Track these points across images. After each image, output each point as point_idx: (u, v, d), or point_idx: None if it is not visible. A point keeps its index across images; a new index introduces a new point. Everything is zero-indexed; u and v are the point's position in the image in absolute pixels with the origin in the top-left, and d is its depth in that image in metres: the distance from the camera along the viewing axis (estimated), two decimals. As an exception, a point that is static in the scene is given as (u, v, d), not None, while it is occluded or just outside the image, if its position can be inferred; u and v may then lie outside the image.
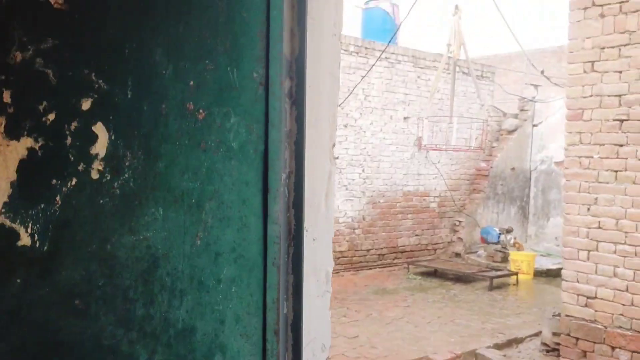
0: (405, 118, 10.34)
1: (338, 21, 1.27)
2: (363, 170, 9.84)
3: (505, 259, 10.13)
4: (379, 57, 9.18)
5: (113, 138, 0.88)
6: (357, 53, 9.52)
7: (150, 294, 0.88)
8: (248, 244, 1.00)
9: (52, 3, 0.80)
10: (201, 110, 0.97)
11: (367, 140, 9.86)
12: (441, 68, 7.67)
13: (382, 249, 10.14)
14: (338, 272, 9.16)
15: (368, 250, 9.94)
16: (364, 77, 9.21)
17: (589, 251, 5.45)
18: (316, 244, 1.12)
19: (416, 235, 10.66)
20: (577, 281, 5.52)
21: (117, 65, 0.87)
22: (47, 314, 0.82)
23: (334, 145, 1.23)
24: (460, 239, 11.11)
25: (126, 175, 0.89)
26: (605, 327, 5.30)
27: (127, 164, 0.89)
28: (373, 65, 9.17)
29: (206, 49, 0.98)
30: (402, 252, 10.43)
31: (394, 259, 10.29)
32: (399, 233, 10.39)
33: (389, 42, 8.74)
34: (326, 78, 1.21)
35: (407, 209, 10.48)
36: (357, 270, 9.64)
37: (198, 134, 0.96)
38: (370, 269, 9.85)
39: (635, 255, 5.13)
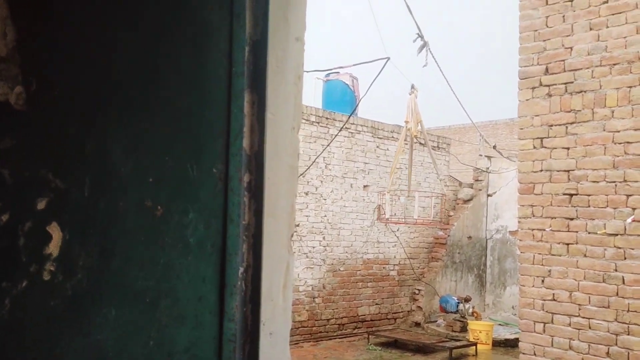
0: (365, 186, 10.49)
1: (297, 115, 1.31)
2: (324, 238, 9.83)
3: (464, 329, 10.12)
4: (341, 128, 9.41)
5: (67, 237, 0.87)
6: (318, 123, 9.74)
7: (98, 400, 0.85)
8: (203, 343, 0.98)
9: (12, 104, 0.81)
10: (159, 207, 0.97)
11: (328, 208, 9.92)
12: (400, 145, 7.93)
13: (342, 318, 9.99)
14: (297, 343, 8.93)
15: (328, 320, 9.78)
16: (325, 147, 9.38)
17: (544, 323, 5.50)
18: (273, 338, 1.10)
19: (376, 304, 10.58)
20: (534, 354, 5.54)
21: (75, 164, 0.87)
22: None
23: (292, 235, 1.24)
24: (419, 307, 11.08)
25: (79, 275, 0.88)
26: (564, 401, 5.29)
27: (80, 263, 0.88)
28: (335, 136, 9.36)
29: (167, 145, 1.00)
30: (362, 322, 10.30)
31: (354, 329, 10.14)
32: (359, 302, 10.30)
33: (350, 114, 8.98)
34: (285, 170, 1.24)
35: (367, 277, 10.45)
36: (317, 341, 9.43)
37: (155, 230, 0.96)
38: (330, 339, 9.65)
39: (589, 327, 5.21)
